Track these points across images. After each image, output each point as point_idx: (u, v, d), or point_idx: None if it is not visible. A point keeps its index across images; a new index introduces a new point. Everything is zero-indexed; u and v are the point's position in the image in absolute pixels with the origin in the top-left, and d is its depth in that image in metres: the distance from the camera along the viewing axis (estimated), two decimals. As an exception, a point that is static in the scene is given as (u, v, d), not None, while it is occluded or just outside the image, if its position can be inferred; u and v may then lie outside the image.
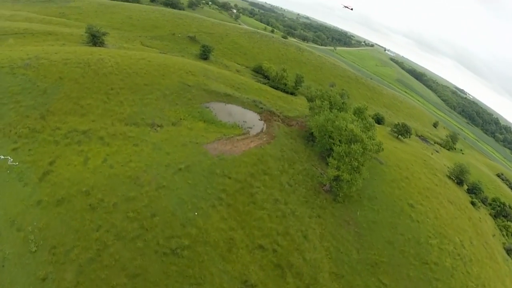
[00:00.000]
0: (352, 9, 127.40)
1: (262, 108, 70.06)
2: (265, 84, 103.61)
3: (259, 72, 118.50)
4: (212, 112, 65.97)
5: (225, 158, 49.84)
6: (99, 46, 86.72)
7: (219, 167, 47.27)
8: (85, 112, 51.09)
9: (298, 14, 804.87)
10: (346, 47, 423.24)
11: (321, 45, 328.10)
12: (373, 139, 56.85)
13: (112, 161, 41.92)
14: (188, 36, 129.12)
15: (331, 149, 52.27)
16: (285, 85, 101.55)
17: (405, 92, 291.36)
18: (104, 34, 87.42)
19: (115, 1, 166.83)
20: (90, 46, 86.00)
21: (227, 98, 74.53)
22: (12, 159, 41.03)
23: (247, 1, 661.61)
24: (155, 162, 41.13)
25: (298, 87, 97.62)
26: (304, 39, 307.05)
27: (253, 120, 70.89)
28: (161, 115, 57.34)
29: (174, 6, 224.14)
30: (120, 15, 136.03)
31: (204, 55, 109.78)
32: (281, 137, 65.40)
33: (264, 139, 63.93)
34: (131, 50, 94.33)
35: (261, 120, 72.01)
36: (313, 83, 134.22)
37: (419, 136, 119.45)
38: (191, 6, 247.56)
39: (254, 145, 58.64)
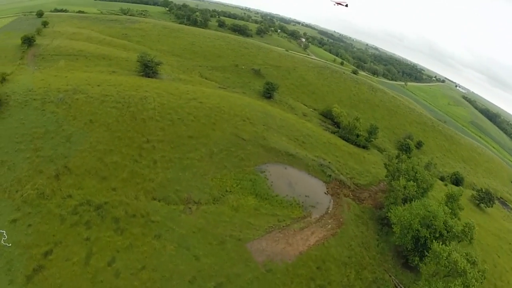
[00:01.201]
0: (347, 5, 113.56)
1: (330, 175, 63.94)
2: (334, 133, 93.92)
3: (328, 117, 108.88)
4: (268, 180, 56.58)
5: (274, 269, 38.88)
6: (152, 76, 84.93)
7: (263, 286, 36.14)
8: (107, 175, 45.27)
9: (367, 45, 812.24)
10: (417, 82, 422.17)
11: (392, 79, 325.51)
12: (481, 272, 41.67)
13: (120, 264, 34.07)
14: (253, 69, 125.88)
15: (414, 249, 47.17)
16: (357, 136, 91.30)
17: (480, 137, 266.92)
18: (158, 64, 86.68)
19: (181, 25, 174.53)
20: (141, 76, 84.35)
21: (289, 159, 64.99)
22: (6, 237, 36.96)
23: (316, 30, 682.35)
24: (176, 273, 32.12)
25: (371, 139, 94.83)
26: (374, 73, 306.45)
27: (317, 193, 59.98)
28: (202, 184, 49.17)
29: (242, 32, 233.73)
30: (183, 40, 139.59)
31: (268, 93, 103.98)
32: (350, 223, 53.28)
33: (329, 226, 52.36)
34: (187, 83, 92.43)
35: (327, 193, 60.29)
36: (387, 131, 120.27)
37: (499, 199, 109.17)
38: (260, 33, 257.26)
39: (315, 240, 47.25)
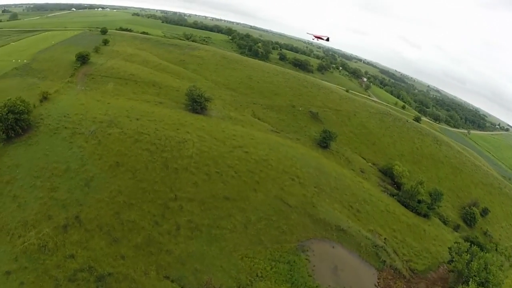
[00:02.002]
0: (328, 39, 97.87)
1: (384, 261, 56.70)
2: (393, 196, 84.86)
3: (388, 174, 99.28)
4: (310, 263, 50.18)
5: None
6: (199, 112, 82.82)
7: None
8: (120, 237, 41.25)
9: (428, 86, 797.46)
10: (480, 130, 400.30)
11: (454, 126, 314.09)
12: None
13: None
14: (310, 112, 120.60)
15: None
16: (419, 202, 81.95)
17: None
18: (207, 100, 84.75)
19: (240, 56, 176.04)
20: (188, 111, 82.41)
21: (339, 235, 57.53)
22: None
23: (378, 68, 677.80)
24: None
25: (434, 207, 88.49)
26: (436, 118, 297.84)
27: (365, 285, 50.48)
28: (229, 265, 43.18)
29: (303, 67, 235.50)
30: (240, 73, 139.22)
31: (324, 143, 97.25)
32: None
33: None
34: (237, 122, 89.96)
35: (377, 286, 50.79)
36: (451, 194, 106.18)
37: None
38: (321, 69, 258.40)
39: None
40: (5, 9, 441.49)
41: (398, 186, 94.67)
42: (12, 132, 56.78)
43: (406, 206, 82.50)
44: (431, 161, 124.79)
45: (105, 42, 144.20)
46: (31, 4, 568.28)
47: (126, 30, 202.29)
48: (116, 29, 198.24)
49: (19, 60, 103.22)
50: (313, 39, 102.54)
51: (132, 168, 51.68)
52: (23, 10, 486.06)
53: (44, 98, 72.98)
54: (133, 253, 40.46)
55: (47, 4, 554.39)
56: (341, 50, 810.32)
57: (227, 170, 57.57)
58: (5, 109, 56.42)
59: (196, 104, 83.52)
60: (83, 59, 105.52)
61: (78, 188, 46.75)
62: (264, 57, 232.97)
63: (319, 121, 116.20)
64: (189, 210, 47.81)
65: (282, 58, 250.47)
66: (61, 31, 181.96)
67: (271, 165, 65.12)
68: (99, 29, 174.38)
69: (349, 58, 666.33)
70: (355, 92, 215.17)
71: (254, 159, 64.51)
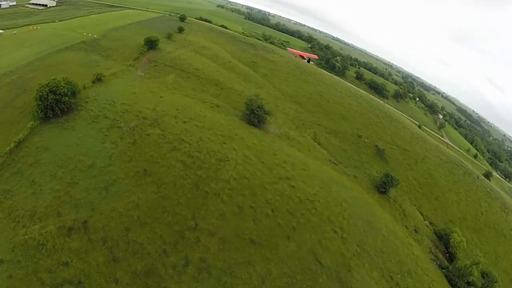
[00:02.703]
0: (309, 60, 77.98)
1: None
2: (443, 269, 73.51)
3: (443, 240, 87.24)
4: None
5: None
6: (256, 125, 78.21)
7: None
8: (121, 257, 41.57)
9: (504, 136, 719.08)
10: None
11: None
12: None
13: None
14: (376, 146, 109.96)
15: None
16: (468, 284, 72.02)
17: None
18: (267, 113, 79.36)
19: (315, 68, 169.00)
20: (244, 121, 77.92)
21: None
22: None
23: (455, 105, 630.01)
24: None
25: None
26: (508, 176, 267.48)
27: None
28: None
29: (378, 91, 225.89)
30: (311, 86, 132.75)
31: (384, 188, 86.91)
32: None
33: None
34: (293, 144, 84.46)
35: None
36: (504, 277, 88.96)
37: None
38: (397, 97, 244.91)
39: None
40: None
41: (451, 257, 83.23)
42: (51, 112, 56.74)
43: (453, 285, 73.33)
44: (494, 232, 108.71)
45: (180, 30, 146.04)
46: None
47: (206, 20, 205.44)
48: (196, 18, 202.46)
49: (90, 34, 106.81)
50: (295, 56, 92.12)
51: (159, 181, 47.74)
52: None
53: (98, 79, 72.78)
54: (129, 280, 36.36)
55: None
56: (420, 78, 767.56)
57: (263, 207, 51.08)
58: (47, 88, 56.21)
59: (254, 116, 78.43)
60: (151, 44, 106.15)
61: (96, 190, 44.77)
62: (341, 72, 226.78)
63: (383, 159, 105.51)
64: (205, 246, 42.20)
65: (359, 77, 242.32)
66: (142, 11, 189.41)
67: (315, 208, 57.51)
68: (179, 15, 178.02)
69: (428, 88, 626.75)
70: (427, 130, 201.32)
71: (298, 197, 57.40)
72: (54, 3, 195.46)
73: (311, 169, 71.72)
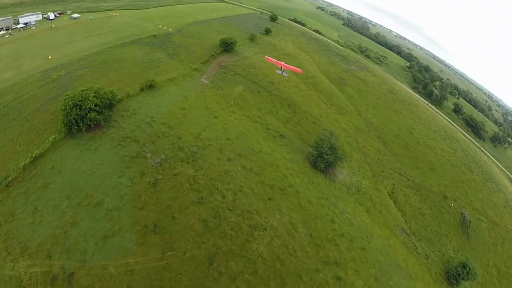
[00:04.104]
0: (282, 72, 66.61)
1: None
2: None
3: None
4: None
5: None
6: (322, 170, 61.59)
7: None
8: None
9: None
10: None
11: None
12: None
13: None
14: (462, 214, 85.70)
15: None
16: None
17: None
18: (339, 158, 62.54)
19: (410, 95, 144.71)
20: (308, 163, 62.22)
21: None
22: None
23: None
24: None
25: None
26: None
27: None
28: None
29: (476, 130, 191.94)
30: (402, 120, 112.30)
31: (455, 279, 66.16)
32: None
33: None
34: (361, 202, 67.36)
35: None
36: None
37: None
38: (494, 140, 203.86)
39: None
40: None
41: None
42: (76, 127, 49.34)
43: None
44: None
45: (267, 31, 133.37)
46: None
47: (300, 23, 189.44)
48: (290, 19, 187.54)
49: (165, 28, 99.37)
50: (281, 72, 68.69)
51: (166, 244, 37.32)
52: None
53: (149, 86, 62.24)
54: None
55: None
56: None
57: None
58: (70, 102, 48.86)
59: (321, 161, 62.04)
60: (226, 46, 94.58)
61: (94, 238, 37.91)
62: (438, 102, 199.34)
63: (466, 234, 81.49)
64: None
65: (457, 110, 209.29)
66: (234, 5, 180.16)
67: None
68: (270, 15, 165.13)
69: None
70: None
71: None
72: None
73: (372, 247, 54.87)
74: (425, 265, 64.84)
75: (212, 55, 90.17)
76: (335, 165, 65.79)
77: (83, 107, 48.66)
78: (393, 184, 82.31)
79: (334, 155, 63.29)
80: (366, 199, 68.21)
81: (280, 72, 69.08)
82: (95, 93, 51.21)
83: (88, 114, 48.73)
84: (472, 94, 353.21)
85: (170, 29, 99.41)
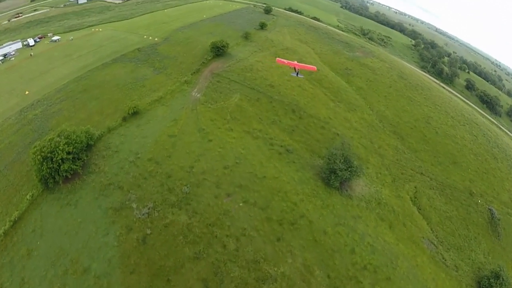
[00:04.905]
0: (297, 73, 59.59)
1: None
2: None
3: None
4: None
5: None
6: (336, 188, 54.45)
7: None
8: None
9: None
10: None
11: None
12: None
13: None
14: (490, 211, 78.15)
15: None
16: None
17: None
18: (356, 172, 57.08)
19: (422, 77, 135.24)
20: (321, 181, 54.97)
21: None
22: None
23: None
24: None
25: None
26: None
27: None
28: None
29: (491, 106, 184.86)
30: (417, 108, 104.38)
31: None
32: None
33: None
34: (383, 218, 60.16)
35: None
36: None
37: None
38: (511, 114, 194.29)
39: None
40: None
41: None
42: (52, 181, 43.68)
43: None
44: None
45: (262, 26, 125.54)
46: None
47: (296, 11, 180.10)
48: (285, 9, 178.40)
49: (150, 38, 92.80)
50: (296, 73, 61.67)
51: None
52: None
53: (132, 114, 55.67)
54: None
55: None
56: None
57: None
58: (39, 156, 42.95)
59: (336, 179, 54.42)
60: (217, 51, 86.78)
61: None
62: (449, 80, 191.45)
63: (495, 233, 73.58)
64: None
65: (470, 87, 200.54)
66: (225, 1, 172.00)
67: None
68: (264, 7, 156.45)
69: None
70: None
71: None
72: None
73: (398, 274, 48.51)
74: (456, 278, 57.87)
75: (203, 62, 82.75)
76: (351, 179, 58.40)
77: (54, 159, 42.67)
78: (415, 187, 74.69)
79: (349, 170, 55.74)
80: (388, 212, 61.06)
81: (295, 74, 62.21)
82: (67, 138, 45.03)
83: (62, 166, 42.72)
84: (480, 66, 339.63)
85: (156, 39, 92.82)
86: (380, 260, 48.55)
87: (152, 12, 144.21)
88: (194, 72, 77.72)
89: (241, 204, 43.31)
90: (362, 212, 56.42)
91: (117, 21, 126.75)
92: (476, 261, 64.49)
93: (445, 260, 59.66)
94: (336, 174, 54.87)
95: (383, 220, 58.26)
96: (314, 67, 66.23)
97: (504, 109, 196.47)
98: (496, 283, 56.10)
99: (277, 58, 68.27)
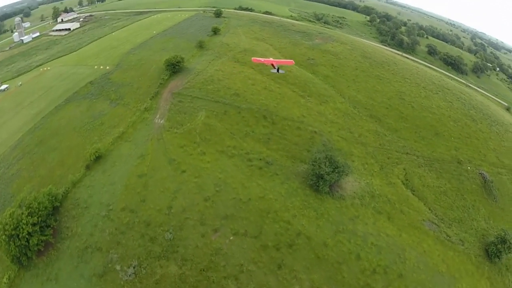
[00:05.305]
0: (278, 70, 59.18)
1: None
2: None
3: None
4: None
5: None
6: (325, 192, 51.94)
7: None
8: None
9: None
10: None
11: None
12: None
13: None
14: (481, 175, 77.86)
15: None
16: None
17: None
18: (344, 172, 53.36)
19: (384, 52, 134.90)
20: (308, 187, 52.05)
21: None
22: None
23: None
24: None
25: None
26: None
27: None
28: None
29: (456, 67, 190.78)
30: (388, 86, 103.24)
31: (497, 256, 61.10)
32: None
33: None
34: (381, 211, 57.26)
35: None
36: None
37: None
38: (476, 71, 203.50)
39: None
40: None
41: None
42: (25, 258, 39.95)
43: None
44: None
45: (215, 31, 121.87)
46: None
47: (247, 9, 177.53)
48: (235, 9, 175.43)
49: (102, 67, 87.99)
50: (276, 70, 62.10)
51: None
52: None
53: (95, 159, 51.31)
54: None
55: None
56: (485, 34, 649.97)
57: None
58: (3, 236, 39.36)
59: (324, 184, 51.69)
60: (173, 68, 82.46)
61: None
62: (410, 49, 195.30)
63: (491, 197, 73.35)
64: None
65: (432, 52, 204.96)
66: (173, 12, 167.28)
67: None
68: (214, 10, 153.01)
69: (498, 48, 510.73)
70: None
71: None
72: (77, 25, 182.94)
73: (409, 268, 47.28)
74: (464, 253, 57.28)
75: (161, 83, 78.29)
76: (340, 179, 55.88)
77: (20, 236, 38.83)
78: (404, 169, 73.29)
79: (336, 171, 53.14)
80: (383, 203, 59.36)
81: (275, 71, 60.35)
82: (29, 208, 41.10)
83: (30, 240, 38.81)
84: (436, 28, 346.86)
85: (107, 67, 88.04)
86: (388, 258, 46.48)
87: (100, 38, 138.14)
88: (153, 96, 73.29)
89: (231, 238, 39.87)
90: (358, 211, 54.26)
91: (65, 55, 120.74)
92: (479, 229, 64.30)
93: (449, 237, 58.82)
94: (323, 179, 52.19)
95: (380, 213, 56.38)
96: (291, 61, 64.79)
97: (469, 67, 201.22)
98: (503, 248, 56.23)
99: (253, 58, 66.73)
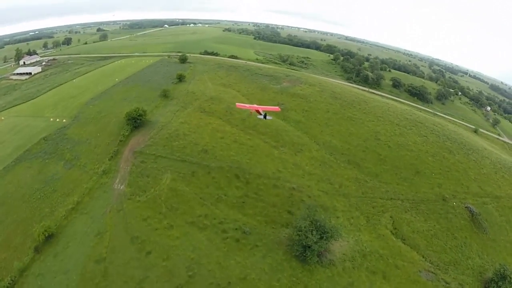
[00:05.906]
0: (265, 116, 59.08)
1: None
2: None
3: None
4: None
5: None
6: (313, 261, 46.72)
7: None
8: None
9: None
10: None
11: None
12: None
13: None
14: (468, 209, 77.20)
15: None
16: None
17: None
18: (332, 236, 48.84)
19: (355, 92, 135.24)
20: (296, 265, 48.11)
21: None
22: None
23: (487, 83, 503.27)
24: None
25: None
26: None
27: None
28: None
29: (421, 96, 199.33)
30: (361, 127, 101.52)
31: None
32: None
33: None
34: (376, 268, 54.73)
35: None
36: None
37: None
38: (441, 98, 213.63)
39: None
40: (100, 28, 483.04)
41: None
42: None
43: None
44: None
45: (180, 78, 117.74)
46: (128, 21, 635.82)
47: (212, 54, 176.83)
48: (201, 53, 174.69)
49: (57, 119, 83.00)
50: (263, 116, 61.30)
51: None
52: (120, 27, 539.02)
53: (45, 239, 43.92)
54: None
55: (142, 21, 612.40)
56: (440, 60, 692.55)
57: None
58: None
59: (312, 253, 45.89)
60: (134, 122, 76.23)
61: None
62: (376, 84, 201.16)
63: (481, 230, 71.19)
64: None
65: (397, 84, 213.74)
66: (138, 57, 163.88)
67: None
68: (179, 56, 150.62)
69: (454, 71, 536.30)
70: (485, 133, 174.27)
71: None
72: (39, 69, 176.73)
73: None
74: None
75: (121, 140, 71.59)
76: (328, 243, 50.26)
77: None
78: (391, 217, 69.97)
79: (324, 237, 47.50)
80: (376, 261, 55.45)
81: (261, 117, 59.01)
82: None
83: None
84: (396, 60, 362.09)
85: (64, 120, 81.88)
86: None
87: (61, 84, 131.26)
88: (112, 156, 66.16)
89: None
90: (351, 276, 49.45)
91: (22, 103, 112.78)
92: (475, 267, 62.58)
93: (448, 284, 56.05)
94: (311, 249, 46.29)
95: (375, 272, 52.19)
96: (276, 107, 66.62)
97: (433, 95, 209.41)
98: (504, 284, 54.78)
99: (237, 103, 65.55)
